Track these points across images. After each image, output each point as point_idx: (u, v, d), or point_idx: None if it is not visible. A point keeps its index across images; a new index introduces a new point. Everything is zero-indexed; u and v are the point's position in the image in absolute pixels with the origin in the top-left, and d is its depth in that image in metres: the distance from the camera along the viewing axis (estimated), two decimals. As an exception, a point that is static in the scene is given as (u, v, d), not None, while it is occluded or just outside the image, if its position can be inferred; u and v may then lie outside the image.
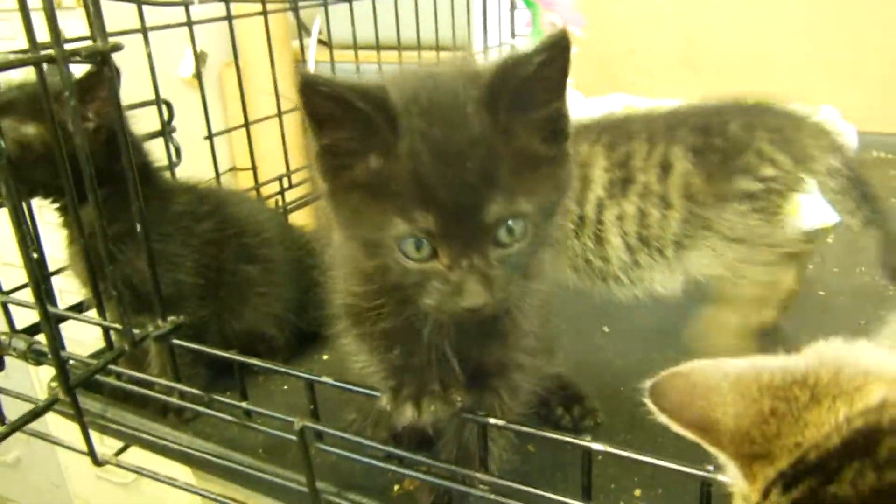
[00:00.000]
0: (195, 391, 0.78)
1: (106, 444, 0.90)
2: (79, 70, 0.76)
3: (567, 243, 0.90)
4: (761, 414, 0.42)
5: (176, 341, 0.78)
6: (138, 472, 0.86)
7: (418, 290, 0.52)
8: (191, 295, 0.90)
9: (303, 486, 0.73)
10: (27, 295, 0.78)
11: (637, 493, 0.75)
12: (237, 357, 0.74)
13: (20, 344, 0.84)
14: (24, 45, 0.65)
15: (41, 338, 0.81)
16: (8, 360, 0.88)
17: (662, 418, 0.45)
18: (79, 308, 0.93)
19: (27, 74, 0.80)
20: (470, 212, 0.49)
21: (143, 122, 1.01)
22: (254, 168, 1.35)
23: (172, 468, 0.89)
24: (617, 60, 2.22)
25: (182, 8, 1.10)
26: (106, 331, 0.83)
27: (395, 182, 0.50)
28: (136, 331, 0.77)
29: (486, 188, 0.49)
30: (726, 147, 0.86)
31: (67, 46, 0.66)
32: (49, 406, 0.77)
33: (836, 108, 1.78)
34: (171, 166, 1.09)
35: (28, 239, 0.71)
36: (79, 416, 0.79)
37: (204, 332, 0.92)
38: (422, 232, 0.50)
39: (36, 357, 0.83)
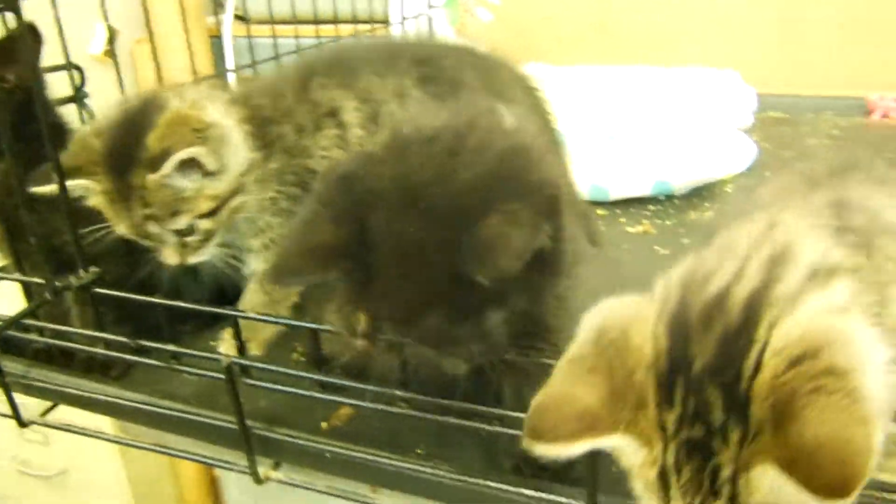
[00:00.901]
0: (121, 339, 0.79)
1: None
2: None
3: None
4: (608, 383, 0.46)
5: (99, 290, 0.79)
6: (66, 429, 0.87)
7: None
8: (110, 252, 0.91)
9: (233, 424, 0.75)
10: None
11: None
12: (162, 301, 0.76)
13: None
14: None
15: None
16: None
17: (554, 449, 0.47)
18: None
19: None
20: None
21: (54, 88, 1.00)
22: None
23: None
24: (532, 28, 2.28)
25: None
26: (26, 288, 0.83)
27: None
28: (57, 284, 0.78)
29: None
30: (446, 78, 0.93)
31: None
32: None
33: (737, 71, 1.89)
34: (86, 131, 1.08)
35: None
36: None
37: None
38: None
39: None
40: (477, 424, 0.65)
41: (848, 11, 2.00)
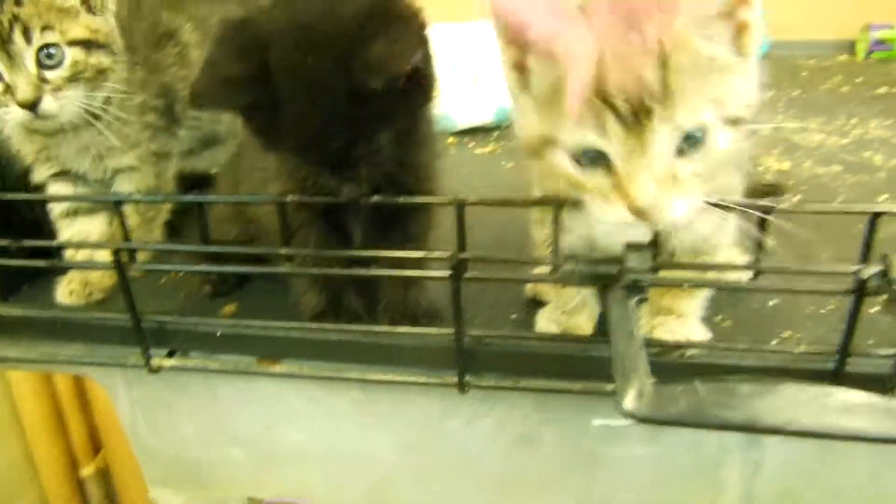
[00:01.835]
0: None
1: None
2: None
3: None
4: None
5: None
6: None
7: None
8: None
9: (123, 319, 0.79)
10: None
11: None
12: (38, 197, 0.78)
13: None
14: None
15: None
16: None
17: None
18: None
19: None
20: None
21: None
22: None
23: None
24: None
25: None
26: None
27: None
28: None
29: None
30: None
31: None
32: None
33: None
34: None
35: None
36: None
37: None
38: None
39: None
40: (355, 272, 0.74)
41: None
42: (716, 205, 0.62)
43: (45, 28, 0.79)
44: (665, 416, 0.57)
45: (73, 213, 0.92)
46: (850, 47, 2.10)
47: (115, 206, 0.76)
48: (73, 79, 0.82)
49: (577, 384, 0.71)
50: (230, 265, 0.80)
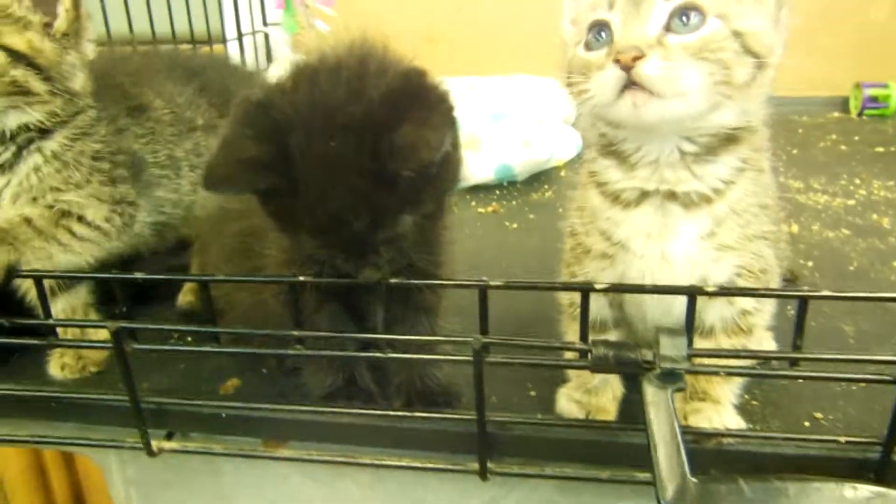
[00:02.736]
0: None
1: None
2: None
3: None
4: None
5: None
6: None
7: None
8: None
9: (121, 399, 0.75)
10: None
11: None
12: (32, 273, 0.75)
13: None
14: None
15: None
16: None
17: None
18: None
19: None
20: None
21: None
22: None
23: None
24: (367, 42, 2.36)
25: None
26: None
27: None
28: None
29: None
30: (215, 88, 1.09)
31: None
32: None
33: (555, 79, 2.08)
34: None
35: None
36: None
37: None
38: None
39: None
40: (372, 354, 0.71)
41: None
42: (750, 291, 0.61)
43: None
44: (710, 516, 0.53)
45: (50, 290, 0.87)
46: (843, 104, 2.12)
47: (117, 284, 0.72)
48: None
49: (604, 471, 0.68)
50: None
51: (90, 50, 0.90)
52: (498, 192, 1.49)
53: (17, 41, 0.80)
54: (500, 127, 1.50)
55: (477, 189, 1.49)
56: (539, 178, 1.55)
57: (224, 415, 0.76)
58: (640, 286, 0.65)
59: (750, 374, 0.69)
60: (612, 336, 0.74)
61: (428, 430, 0.72)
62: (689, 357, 0.58)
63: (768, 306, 0.69)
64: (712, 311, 0.67)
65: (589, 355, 0.61)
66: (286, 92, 0.63)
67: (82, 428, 0.82)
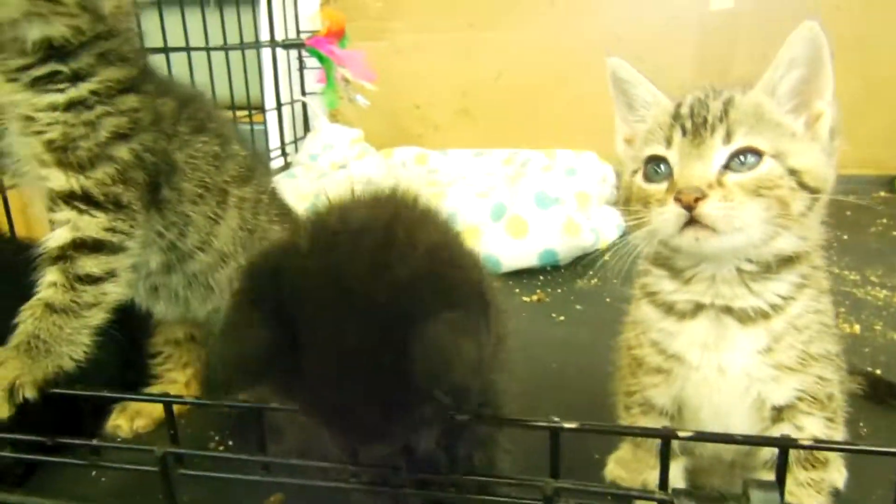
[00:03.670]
0: (34, 438, 0.73)
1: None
2: None
3: None
4: None
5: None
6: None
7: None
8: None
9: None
10: None
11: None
12: (82, 392, 0.72)
13: None
14: None
15: None
16: None
17: None
18: None
19: None
20: None
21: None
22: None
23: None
24: (404, 114, 2.38)
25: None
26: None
27: None
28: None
29: None
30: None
31: None
32: None
33: (594, 152, 2.06)
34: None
35: None
36: None
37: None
38: None
39: None
40: (431, 493, 0.66)
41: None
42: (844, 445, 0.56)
43: None
44: None
45: None
46: (889, 183, 2.08)
47: (164, 406, 0.69)
48: None
49: None
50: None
51: None
52: (542, 277, 1.45)
53: None
54: (546, 213, 1.47)
55: (520, 274, 1.45)
56: (582, 262, 1.51)
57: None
58: (728, 435, 0.61)
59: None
60: (682, 464, 0.70)
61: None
62: (783, 516, 0.54)
63: (841, 436, 0.65)
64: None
65: (670, 508, 0.57)
66: (301, 255, 0.54)
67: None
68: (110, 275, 0.80)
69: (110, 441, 0.73)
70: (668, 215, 0.60)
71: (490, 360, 0.56)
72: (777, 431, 0.64)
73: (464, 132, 2.37)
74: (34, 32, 0.77)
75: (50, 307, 0.77)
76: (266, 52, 2.17)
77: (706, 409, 0.66)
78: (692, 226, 0.59)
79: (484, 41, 2.30)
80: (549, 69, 2.28)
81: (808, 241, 0.64)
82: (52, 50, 0.78)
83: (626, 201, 0.69)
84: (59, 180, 0.78)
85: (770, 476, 0.63)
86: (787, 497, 0.62)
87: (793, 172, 0.60)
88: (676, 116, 0.64)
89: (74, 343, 0.78)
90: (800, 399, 0.64)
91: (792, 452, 0.63)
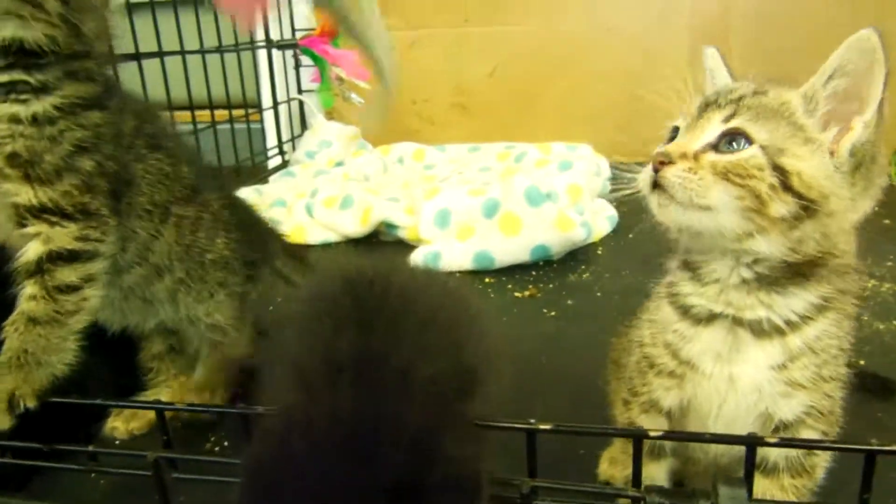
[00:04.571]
0: (33, 445, 0.75)
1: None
2: None
3: None
4: None
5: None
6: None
7: None
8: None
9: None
10: None
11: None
12: (88, 400, 0.74)
13: None
14: None
15: None
16: None
17: None
18: None
19: None
20: None
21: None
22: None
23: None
24: (400, 110, 2.39)
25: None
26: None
27: None
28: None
29: None
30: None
31: None
32: None
33: (590, 145, 2.08)
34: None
35: None
36: None
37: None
38: None
39: None
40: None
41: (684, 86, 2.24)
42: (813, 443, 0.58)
43: None
44: None
45: None
46: (884, 170, 2.08)
47: (156, 414, 0.71)
48: None
49: None
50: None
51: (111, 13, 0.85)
52: (534, 272, 1.47)
53: None
54: (538, 210, 1.48)
55: (513, 270, 1.47)
56: (575, 257, 1.53)
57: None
58: (697, 434, 0.63)
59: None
60: (668, 465, 0.72)
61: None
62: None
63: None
64: (777, 450, 0.64)
65: (642, 503, 0.59)
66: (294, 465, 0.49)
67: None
68: (89, 280, 0.81)
69: (108, 444, 0.76)
70: (643, 174, 0.63)
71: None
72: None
73: (460, 127, 2.39)
74: (7, 31, 0.75)
75: (33, 320, 0.78)
76: (262, 52, 2.19)
77: (713, 418, 0.65)
78: (657, 189, 0.61)
79: (478, 37, 2.31)
80: (542, 64, 2.29)
81: (799, 255, 0.60)
82: (20, 55, 0.77)
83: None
84: (27, 194, 0.78)
85: (769, 482, 0.65)
86: (763, 496, 0.64)
87: (780, 170, 0.58)
88: (707, 97, 0.66)
89: (63, 350, 0.80)
90: (807, 414, 0.63)
91: (782, 459, 0.64)
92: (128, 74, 1.56)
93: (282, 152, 2.31)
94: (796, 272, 0.61)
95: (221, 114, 2.00)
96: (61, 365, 0.79)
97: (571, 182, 1.65)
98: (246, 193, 1.79)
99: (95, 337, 0.85)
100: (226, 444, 0.93)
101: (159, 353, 1.02)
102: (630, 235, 1.64)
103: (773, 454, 0.65)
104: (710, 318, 0.64)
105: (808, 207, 0.58)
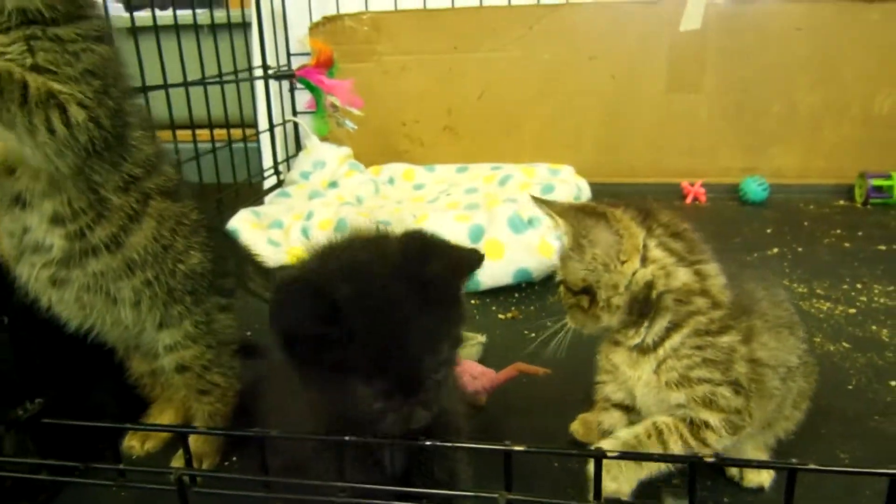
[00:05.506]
0: (66, 463, 0.84)
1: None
2: None
3: None
4: None
5: (47, 419, 0.85)
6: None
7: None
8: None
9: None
10: None
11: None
12: (118, 424, 0.83)
13: None
14: None
15: None
16: None
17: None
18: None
19: None
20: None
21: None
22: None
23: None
24: (391, 132, 2.50)
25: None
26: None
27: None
28: None
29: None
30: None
31: None
32: None
33: (571, 166, 2.18)
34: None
35: None
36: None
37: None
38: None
39: None
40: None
41: (661, 112, 2.36)
42: (744, 461, 0.68)
43: None
44: None
45: None
46: (849, 192, 2.20)
47: (179, 437, 0.81)
48: None
49: None
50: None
51: None
52: (517, 294, 1.57)
53: None
54: (521, 237, 1.59)
55: (496, 292, 1.57)
56: (555, 278, 1.63)
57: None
58: (648, 454, 0.73)
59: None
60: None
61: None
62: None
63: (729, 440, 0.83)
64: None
65: (601, 511, 0.69)
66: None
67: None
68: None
69: (126, 460, 0.84)
70: None
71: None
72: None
73: (448, 148, 2.49)
74: (10, 2, 0.79)
75: None
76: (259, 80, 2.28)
77: (640, 403, 0.91)
78: None
79: (467, 62, 2.42)
80: (528, 88, 2.40)
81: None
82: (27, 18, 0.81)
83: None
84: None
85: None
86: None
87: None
88: None
89: None
90: (694, 401, 0.84)
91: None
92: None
93: (277, 172, 2.40)
94: (642, 315, 0.88)
95: (220, 133, 2.09)
96: None
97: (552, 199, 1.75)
98: (244, 215, 1.90)
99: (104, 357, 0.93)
100: (234, 458, 1.02)
101: (147, 371, 1.05)
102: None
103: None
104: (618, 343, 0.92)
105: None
